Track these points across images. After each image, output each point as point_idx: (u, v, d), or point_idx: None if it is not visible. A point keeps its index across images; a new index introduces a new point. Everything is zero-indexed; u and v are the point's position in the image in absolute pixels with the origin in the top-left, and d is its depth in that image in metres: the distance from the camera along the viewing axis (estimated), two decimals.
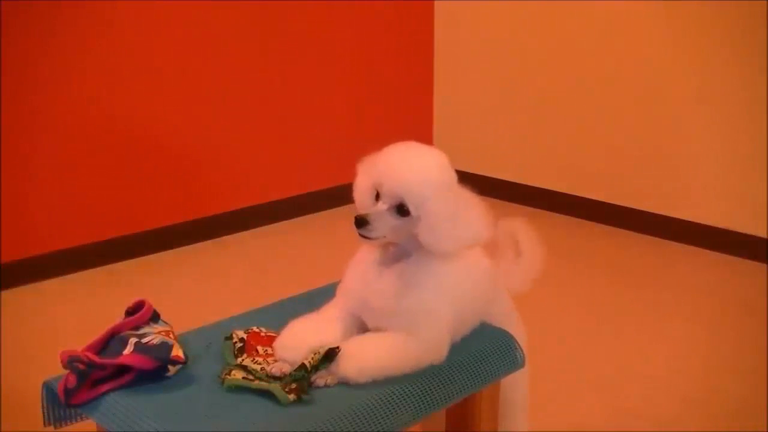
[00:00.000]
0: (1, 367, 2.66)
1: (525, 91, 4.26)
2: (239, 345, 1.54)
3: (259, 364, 1.48)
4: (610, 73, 3.93)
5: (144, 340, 1.48)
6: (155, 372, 1.46)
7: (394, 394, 1.47)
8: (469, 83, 4.47)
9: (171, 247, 3.72)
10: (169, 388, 1.46)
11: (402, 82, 4.50)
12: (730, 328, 3.04)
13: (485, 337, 1.66)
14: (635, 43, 3.82)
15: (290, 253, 3.78)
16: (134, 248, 3.63)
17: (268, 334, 1.59)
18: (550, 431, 2.32)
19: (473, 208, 1.53)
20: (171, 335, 1.52)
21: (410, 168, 1.49)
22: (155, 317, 1.59)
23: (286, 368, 1.45)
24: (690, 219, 3.76)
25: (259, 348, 1.54)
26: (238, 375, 1.47)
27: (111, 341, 1.51)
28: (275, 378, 1.45)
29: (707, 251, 3.68)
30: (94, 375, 1.45)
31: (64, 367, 1.44)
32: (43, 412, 1.50)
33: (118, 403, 1.43)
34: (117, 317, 1.58)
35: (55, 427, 1.52)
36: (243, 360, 1.50)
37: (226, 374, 1.48)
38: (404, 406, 1.47)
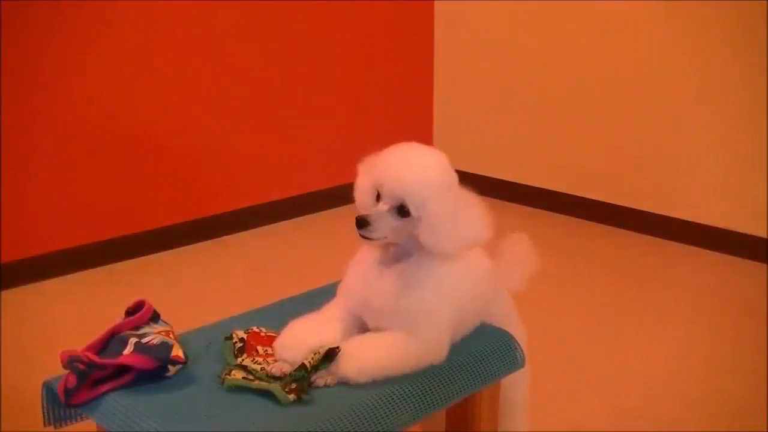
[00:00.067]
0: (1, 367, 2.65)
1: (525, 91, 4.26)
2: (239, 345, 1.54)
3: (259, 364, 1.48)
4: (610, 73, 3.93)
5: (144, 340, 1.48)
6: (155, 372, 1.46)
7: (394, 394, 1.47)
8: (469, 83, 4.47)
9: (171, 247, 3.72)
10: (169, 388, 1.46)
11: (402, 82, 4.50)
12: (730, 328, 3.04)
13: (485, 337, 1.66)
14: (635, 43, 3.82)
15: (290, 253, 3.78)
16: (134, 248, 3.63)
17: (268, 334, 1.59)
18: (550, 431, 2.32)
19: (474, 208, 1.54)
20: (171, 335, 1.52)
21: (411, 169, 1.49)
22: (155, 317, 1.59)
23: (286, 368, 1.45)
24: (690, 219, 3.76)
25: (259, 348, 1.54)
26: (238, 375, 1.47)
27: (111, 341, 1.51)
28: (275, 378, 1.45)
29: (707, 251, 3.68)
30: (94, 375, 1.45)
31: (64, 367, 1.44)
32: (43, 412, 1.50)
33: (118, 403, 1.43)
34: (117, 317, 1.58)
35: (55, 427, 1.52)
36: (243, 360, 1.50)
37: (226, 374, 1.48)
38: (404, 406, 1.47)
